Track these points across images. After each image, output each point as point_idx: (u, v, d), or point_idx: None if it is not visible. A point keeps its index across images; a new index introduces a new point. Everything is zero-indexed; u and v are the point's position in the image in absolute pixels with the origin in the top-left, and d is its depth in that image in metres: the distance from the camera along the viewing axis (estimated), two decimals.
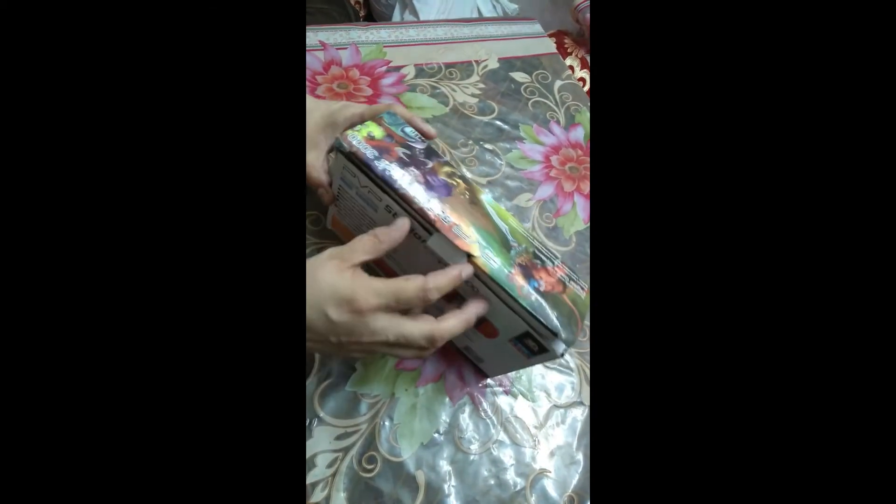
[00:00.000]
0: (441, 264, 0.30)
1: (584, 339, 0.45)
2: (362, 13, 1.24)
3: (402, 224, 0.29)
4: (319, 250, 0.43)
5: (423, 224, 0.30)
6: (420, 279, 0.26)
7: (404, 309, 0.27)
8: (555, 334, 0.28)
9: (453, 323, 0.28)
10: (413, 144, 0.34)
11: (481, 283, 0.29)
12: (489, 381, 0.40)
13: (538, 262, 0.31)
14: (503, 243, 0.31)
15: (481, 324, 0.33)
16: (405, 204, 0.30)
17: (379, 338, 0.26)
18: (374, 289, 0.26)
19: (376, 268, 0.42)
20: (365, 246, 0.27)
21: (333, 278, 0.26)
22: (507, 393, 0.40)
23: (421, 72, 0.61)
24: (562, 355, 0.29)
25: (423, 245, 0.30)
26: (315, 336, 0.26)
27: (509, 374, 0.41)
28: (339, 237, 0.43)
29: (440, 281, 0.27)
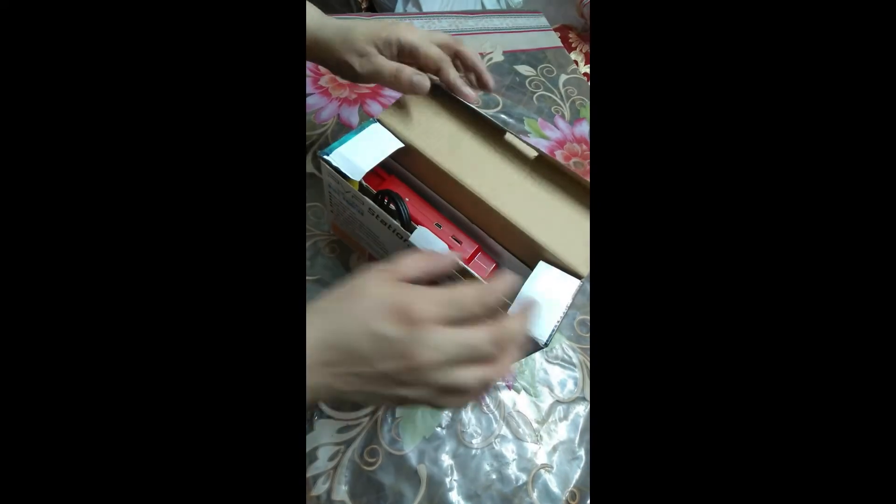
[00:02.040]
0: None
1: (586, 335, 0.44)
2: (364, 4, 1.23)
3: (452, 255, 0.26)
4: (322, 242, 0.43)
5: (404, 222, 0.32)
6: (481, 284, 0.24)
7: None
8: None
9: (519, 320, 0.23)
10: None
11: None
12: None
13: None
14: None
15: None
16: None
17: (438, 355, 0.21)
18: (431, 297, 0.22)
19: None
20: (418, 263, 0.24)
21: (383, 288, 0.22)
22: (509, 388, 0.40)
23: None
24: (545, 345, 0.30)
25: (406, 244, 0.32)
26: (357, 368, 0.21)
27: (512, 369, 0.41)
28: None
29: (500, 285, 0.23)
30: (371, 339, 0.21)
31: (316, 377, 0.21)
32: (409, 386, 0.22)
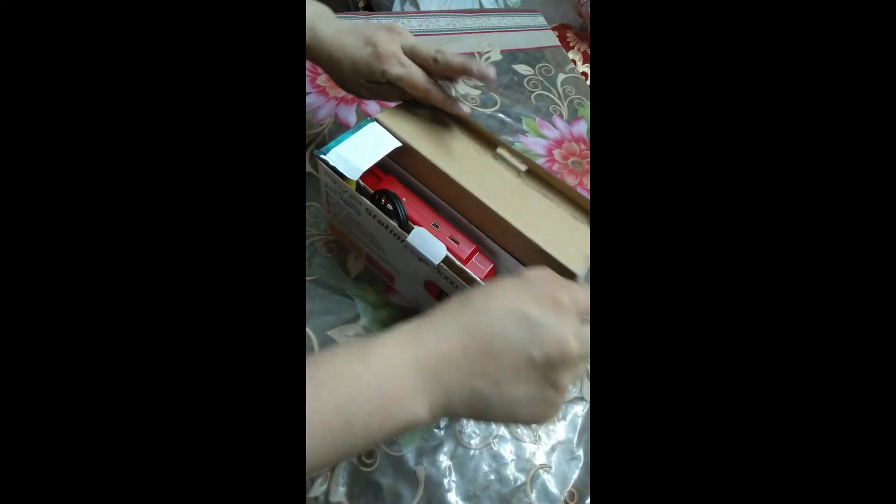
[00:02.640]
0: (422, 262, 0.33)
1: None
2: (361, 4, 1.22)
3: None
4: (319, 242, 0.43)
5: (402, 223, 0.33)
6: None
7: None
8: None
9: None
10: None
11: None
12: None
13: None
14: None
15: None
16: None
17: (584, 348, 0.21)
18: (569, 290, 0.21)
19: (371, 267, 0.42)
20: (582, 299, 0.22)
21: (519, 283, 0.21)
22: None
23: None
24: None
25: (403, 244, 0.33)
26: (503, 360, 0.20)
27: None
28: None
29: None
30: (520, 324, 0.20)
31: (454, 378, 0.19)
32: (553, 380, 0.20)
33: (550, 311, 0.20)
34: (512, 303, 0.20)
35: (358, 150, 0.33)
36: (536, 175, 0.36)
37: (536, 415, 0.21)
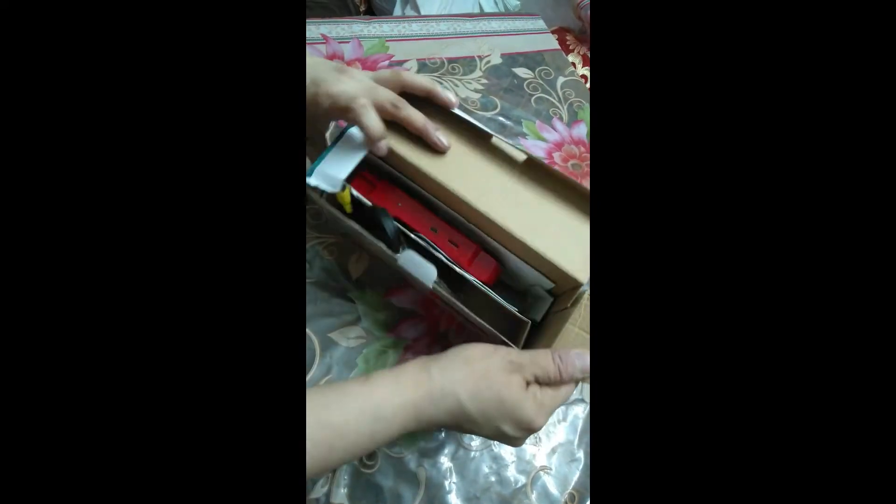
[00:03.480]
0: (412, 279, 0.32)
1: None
2: (362, 7, 1.23)
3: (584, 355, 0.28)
4: (321, 245, 0.43)
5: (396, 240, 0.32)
6: (560, 368, 0.27)
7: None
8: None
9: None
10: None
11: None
12: None
13: None
14: None
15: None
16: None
17: (549, 413, 0.27)
18: (546, 406, 0.26)
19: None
20: (547, 366, 0.26)
21: (519, 397, 0.25)
22: None
23: (423, 66, 0.61)
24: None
25: (395, 262, 0.32)
26: (481, 429, 0.26)
27: None
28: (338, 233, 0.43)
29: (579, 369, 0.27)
30: (497, 407, 0.25)
31: (429, 415, 0.25)
32: (523, 436, 0.27)
33: (520, 433, 0.26)
34: (491, 388, 0.25)
35: (340, 162, 0.33)
36: (536, 167, 0.34)
37: (511, 444, 0.28)
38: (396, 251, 0.32)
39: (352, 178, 0.37)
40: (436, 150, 0.34)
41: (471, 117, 0.35)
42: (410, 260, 0.31)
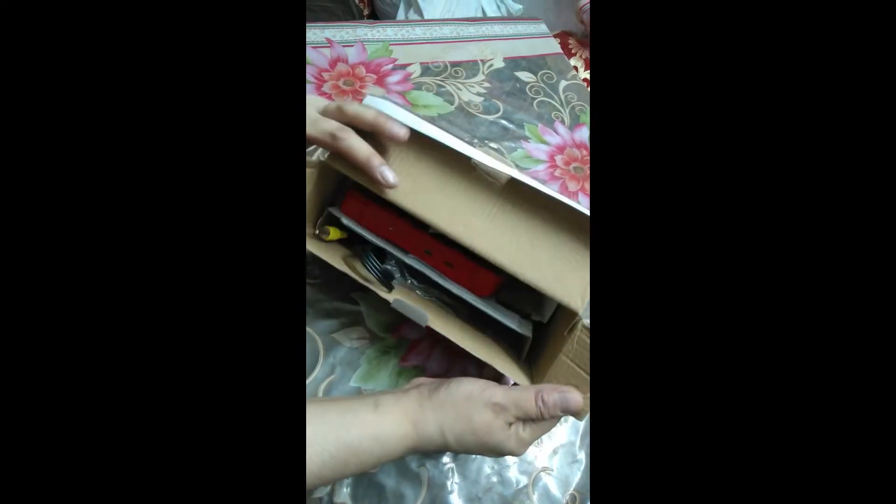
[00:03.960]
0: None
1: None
2: (366, 11, 1.24)
3: (576, 397, 0.30)
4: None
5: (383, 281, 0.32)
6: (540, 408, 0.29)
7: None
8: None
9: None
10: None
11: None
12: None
13: None
14: None
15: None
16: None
17: (528, 444, 0.30)
18: (527, 440, 0.29)
19: None
20: (529, 410, 0.28)
21: (500, 439, 0.28)
22: None
23: (427, 70, 0.61)
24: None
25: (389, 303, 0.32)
26: (438, 448, 0.29)
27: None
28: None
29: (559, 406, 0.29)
30: (482, 447, 0.28)
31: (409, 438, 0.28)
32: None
33: (500, 437, 0.28)
34: (475, 433, 0.28)
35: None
36: (519, 187, 0.31)
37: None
38: (389, 290, 0.32)
39: (341, 202, 0.35)
40: (381, 187, 0.30)
41: (450, 136, 0.30)
42: (402, 305, 0.31)
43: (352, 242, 0.36)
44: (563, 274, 0.30)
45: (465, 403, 0.28)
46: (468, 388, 0.28)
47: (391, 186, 0.30)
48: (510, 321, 0.32)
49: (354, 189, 0.34)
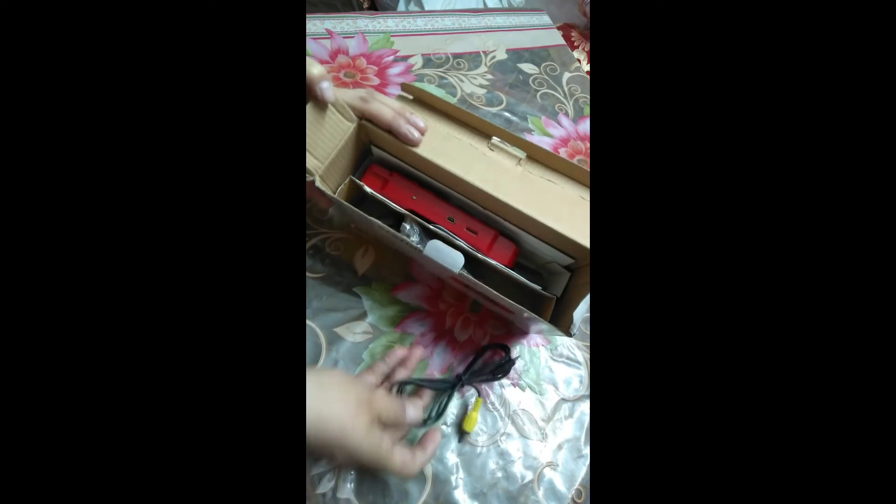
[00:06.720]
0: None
1: (588, 332, 0.44)
2: (366, 4, 1.23)
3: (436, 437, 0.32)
4: (327, 241, 0.43)
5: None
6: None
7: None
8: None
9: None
10: None
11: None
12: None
13: None
14: None
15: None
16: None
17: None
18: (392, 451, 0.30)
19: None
20: (391, 414, 0.30)
21: (362, 434, 0.28)
22: (514, 385, 0.40)
23: (428, 62, 0.60)
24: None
25: (419, 253, 0.33)
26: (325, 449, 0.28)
27: (517, 366, 0.41)
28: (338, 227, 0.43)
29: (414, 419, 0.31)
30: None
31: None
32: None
33: (366, 432, 0.28)
34: (344, 439, 0.28)
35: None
36: (535, 159, 0.37)
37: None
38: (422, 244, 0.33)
39: (363, 175, 0.38)
40: (406, 143, 0.35)
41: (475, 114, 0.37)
42: (436, 249, 0.32)
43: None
44: (581, 224, 0.33)
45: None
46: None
47: (416, 142, 0.35)
48: (535, 285, 0.35)
49: (376, 165, 0.37)
